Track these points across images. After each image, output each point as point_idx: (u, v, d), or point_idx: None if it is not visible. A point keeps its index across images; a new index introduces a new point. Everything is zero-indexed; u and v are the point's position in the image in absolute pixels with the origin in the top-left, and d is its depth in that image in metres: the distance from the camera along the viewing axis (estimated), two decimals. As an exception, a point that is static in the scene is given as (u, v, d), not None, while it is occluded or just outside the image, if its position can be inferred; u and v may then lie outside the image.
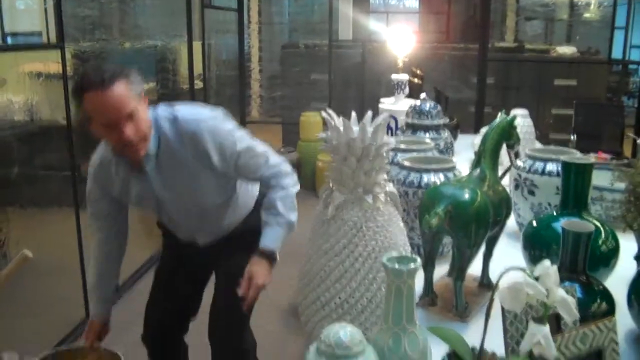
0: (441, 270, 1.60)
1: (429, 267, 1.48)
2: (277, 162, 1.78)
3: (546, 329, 0.90)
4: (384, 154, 1.21)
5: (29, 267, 1.72)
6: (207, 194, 1.78)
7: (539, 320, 0.92)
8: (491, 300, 0.97)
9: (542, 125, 5.10)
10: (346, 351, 0.95)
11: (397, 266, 0.99)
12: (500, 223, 1.51)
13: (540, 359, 0.91)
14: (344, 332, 0.96)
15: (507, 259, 1.42)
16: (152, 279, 2.11)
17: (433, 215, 1.34)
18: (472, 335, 1.09)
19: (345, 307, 1.20)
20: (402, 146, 2.00)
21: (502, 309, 1.09)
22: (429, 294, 1.50)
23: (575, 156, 1.70)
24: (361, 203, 1.20)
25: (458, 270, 1.43)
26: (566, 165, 1.48)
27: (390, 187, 1.26)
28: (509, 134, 1.60)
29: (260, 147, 1.77)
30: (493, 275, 1.57)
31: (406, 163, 1.76)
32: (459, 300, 1.43)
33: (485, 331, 1.03)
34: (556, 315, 1.13)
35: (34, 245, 2.07)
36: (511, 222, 1.70)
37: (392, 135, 3.27)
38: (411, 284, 1.01)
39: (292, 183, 1.79)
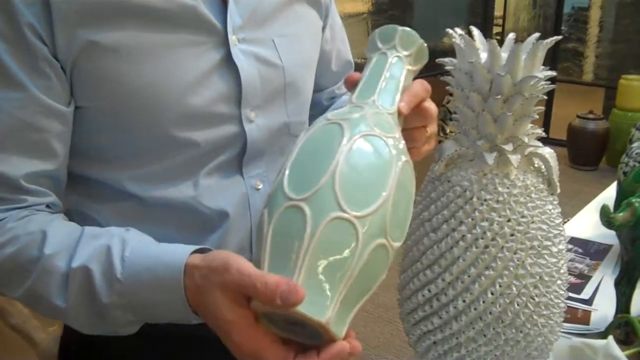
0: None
1: (623, 285, 0.98)
2: None
3: None
4: (533, 95, 0.78)
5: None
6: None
7: None
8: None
9: None
10: None
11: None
12: None
13: None
14: None
15: None
16: None
17: (623, 206, 0.85)
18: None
19: (435, 305, 0.84)
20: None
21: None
22: (622, 325, 1.00)
23: None
24: (479, 163, 0.81)
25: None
26: None
27: (544, 149, 0.82)
28: None
29: None
30: None
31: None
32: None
33: None
34: None
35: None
36: None
37: None
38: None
39: None
